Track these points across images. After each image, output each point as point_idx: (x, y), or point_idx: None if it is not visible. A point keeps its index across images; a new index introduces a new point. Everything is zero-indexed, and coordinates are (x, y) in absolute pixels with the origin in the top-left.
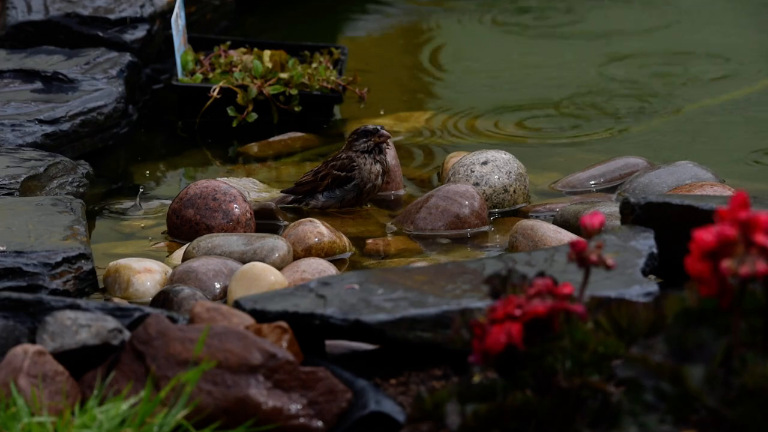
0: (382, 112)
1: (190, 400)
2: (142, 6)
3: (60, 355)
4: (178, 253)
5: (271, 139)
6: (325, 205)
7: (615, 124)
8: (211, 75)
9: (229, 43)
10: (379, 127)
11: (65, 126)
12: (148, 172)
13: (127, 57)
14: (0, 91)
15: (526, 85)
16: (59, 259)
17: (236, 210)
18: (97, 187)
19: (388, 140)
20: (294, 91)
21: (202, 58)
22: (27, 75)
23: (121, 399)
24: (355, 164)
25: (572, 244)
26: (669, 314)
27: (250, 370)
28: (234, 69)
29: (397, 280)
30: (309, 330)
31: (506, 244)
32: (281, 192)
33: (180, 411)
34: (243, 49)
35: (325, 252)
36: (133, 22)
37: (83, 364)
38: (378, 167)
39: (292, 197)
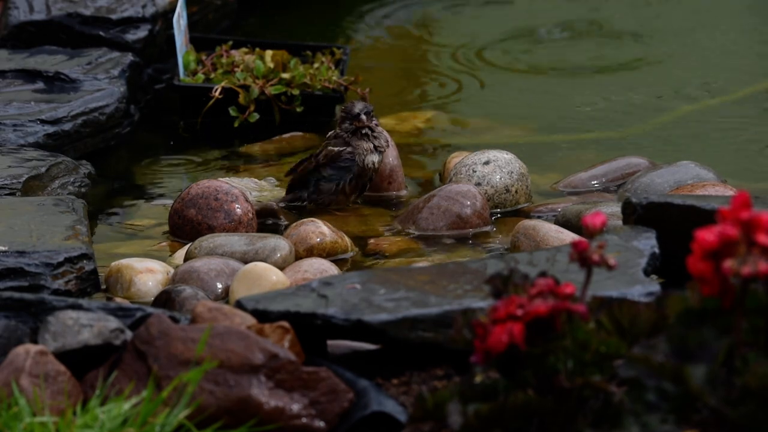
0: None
1: (192, 399)
2: (144, 6)
3: (62, 355)
4: (180, 253)
5: (273, 139)
6: (332, 186)
7: (616, 123)
8: (212, 75)
9: (230, 43)
10: (359, 111)
11: (67, 126)
12: (149, 172)
13: (129, 57)
14: (1, 91)
15: (533, 84)
16: (61, 259)
17: (238, 210)
18: (98, 187)
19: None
20: (296, 91)
21: (203, 58)
22: (29, 75)
23: (122, 399)
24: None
25: (574, 244)
26: (671, 314)
27: (252, 370)
28: (236, 69)
29: (399, 280)
30: (311, 330)
31: (508, 244)
32: (286, 175)
33: (182, 411)
34: (245, 49)
35: (327, 252)
36: (134, 22)
37: (85, 364)
38: (369, 145)
39: (299, 194)
